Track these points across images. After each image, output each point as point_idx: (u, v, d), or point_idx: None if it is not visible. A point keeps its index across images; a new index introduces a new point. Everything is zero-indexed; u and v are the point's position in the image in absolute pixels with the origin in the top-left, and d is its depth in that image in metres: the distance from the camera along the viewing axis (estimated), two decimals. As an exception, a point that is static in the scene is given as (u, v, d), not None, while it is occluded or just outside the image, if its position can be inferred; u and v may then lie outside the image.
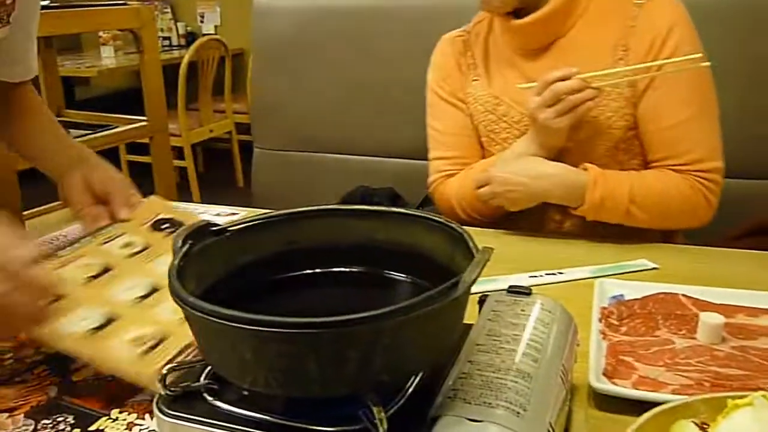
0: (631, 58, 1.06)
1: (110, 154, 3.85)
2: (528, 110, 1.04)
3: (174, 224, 0.93)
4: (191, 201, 3.80)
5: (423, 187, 1.59)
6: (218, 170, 4.52)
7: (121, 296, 0.76)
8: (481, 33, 1.21)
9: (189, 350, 0.68)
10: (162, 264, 0.83)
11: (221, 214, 1.23)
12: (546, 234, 1.12)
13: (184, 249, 0.55)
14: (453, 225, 0.57)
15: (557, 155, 1.08)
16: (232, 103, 4.15)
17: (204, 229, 0.58)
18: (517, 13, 1.10)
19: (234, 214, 1.23)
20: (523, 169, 1.06)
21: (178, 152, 4.00)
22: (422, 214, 0.60)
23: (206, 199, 3.88)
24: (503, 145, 1.15)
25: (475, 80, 1.19)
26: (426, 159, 1.67)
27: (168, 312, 0.73)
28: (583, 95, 1.00)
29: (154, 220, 0.93)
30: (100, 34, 4.53)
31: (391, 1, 1.70)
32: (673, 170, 1.05)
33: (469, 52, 1.21)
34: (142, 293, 0.77)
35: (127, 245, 0.87)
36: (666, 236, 1.11)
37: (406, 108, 1.68)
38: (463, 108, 1.20)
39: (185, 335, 0.68)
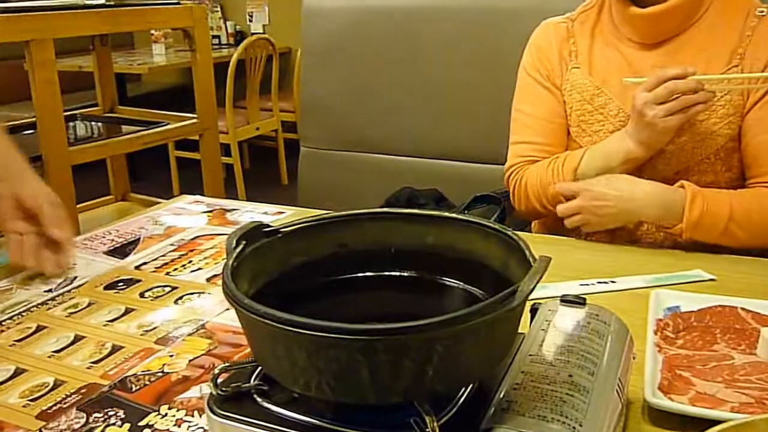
0: (745, 67, 1.03)
1: (159, 150, 3.93)
2: (636, 105, 0.99)
3: (129, 283, 0.94)
4: (237, 198, 3.86)
5: (467, 188, 1.58)
6: (263, 168, 4.57)
7: (37, 351, 0.77)
8: (587, 21, 1.17)
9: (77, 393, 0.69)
10: (99, 317, 0.84)
11: (268, 213, 1.23)
12: (597, 240, 1.09)
13: (238, 249, 0.55)
14: (508, 232, 0.56)
15: (654, 158, 1.05)
16: (279, 102, 4.19)
17: (257, 230, 0.58)
18: (636, 2, 1.07)
19: (281, 213, 1.24)
20: (617, 187, 1.01)
21: (225, 149, 4.05)
22: (477, 220, 0.59)
23: (251, 196, 3.94)
24: (593, 138, 1.12)
25: (576, 68, 1.15)
26: (469, 161, 1.67)
27: (77, 360, 0.75)
28: (697, 97, 0.96)
29: (113, 281, 0.95)
30: (152, 32, 4.62)
31: (440, 1, 1.69)
32: None
33: (572, 39, 1.17)
34: (59, 347, 0.78)
35: (72, 307, 0.88)
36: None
37: (452, 109, 1.68)
38: (557, 94, 1.17)
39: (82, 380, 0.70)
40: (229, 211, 1.25)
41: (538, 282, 0.47)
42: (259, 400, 0.52)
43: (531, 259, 0.50)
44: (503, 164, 1.64)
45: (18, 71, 3.99)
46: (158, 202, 1.31)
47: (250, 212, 1.24)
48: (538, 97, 1.19)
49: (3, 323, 0.84)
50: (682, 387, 0.65)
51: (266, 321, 0.45)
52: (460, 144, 1.68)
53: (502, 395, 0.50)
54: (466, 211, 1.41)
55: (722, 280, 0.91)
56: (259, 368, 0.54)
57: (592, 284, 0.90)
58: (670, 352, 0.71)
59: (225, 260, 0.53)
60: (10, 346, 0.79)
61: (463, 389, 0.50)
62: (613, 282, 0.91)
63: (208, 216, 1.22)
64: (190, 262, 1.02)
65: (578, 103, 1.14)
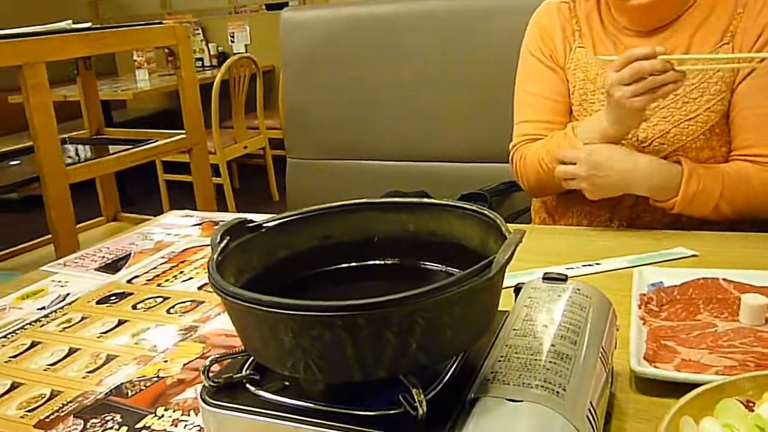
0: (735, 45, 1.05)
1: (148, 175, 3.93)
2: (605, 85, 1.00)
3: (121, 296, 0.95)
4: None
5: (455, 188, 1.60)
6: (253, 186, 4.58)
7: (33, 366, 0.78)
8: (586, 5, 1.18)
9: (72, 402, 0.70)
10: (93, 330, 0.86)
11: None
12: (582, 225, 1.11)
13: (222, 244, 0.56)
14: (484, 211, 0.57)
15: (652, 137, 1.06)
16: (265, 119, 4.21)
17: (241, 226, 0.60)
18: None
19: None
20: (615, 158, 1.01)
21: (214, 169, 4.06)
22: (453, 203, 0.61)
23: (242, 213, 3.94)
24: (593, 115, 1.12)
25: (580, 47, 1.16)
26: (455, 162, 1.69)
27: (73, 371, 0.76)
28: (665, 77, 0.95)
29: (105, 295, 0.96)
30: (135, 57, 4.64)
31: (415, 6, 1.72)
32: (751, 162, 1.03)
33: (575, 19, 1.18)
34: (53, 360, 0.79)
35: (65, 322, 0.89)
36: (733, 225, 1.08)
37: (435, 111, 1.69)
38: (560, 73, 1.18)
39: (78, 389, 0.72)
40: (218, 223, 1.26)
41: (513, 252, 0.48)
42: (251, 388, 0.53)
43: (507, 234, 0.52)
44: (489, 162, 1.65)
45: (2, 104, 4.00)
46: (149, 219, 1.32)
47: (239, 222, 1.25)
48: (541, 76, 1.19)
49: (-2, 342, 0.85)
50: (667, 356, 0.66)
51: (251, 305, 0.46)
52: (445, 145, 1.70)
53: (487, 367, 0.51)
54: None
55: (704, 255, 0.93)
56: (250, 359, 0.55)
57: (577, 267, 0.92)
58: (655, 324, 0.72)
59: (209, 257, 0.55)
60: (6, 362, 0.80)
61: (449, 364, 0.52)
62: (597, 264, 0.92)
63: (198, 228, 1.23)
64: (181, 272, 1.03)
65: (581, 81, 1.15)
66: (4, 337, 0.86)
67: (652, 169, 1.01)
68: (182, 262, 1.07)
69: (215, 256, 0.54)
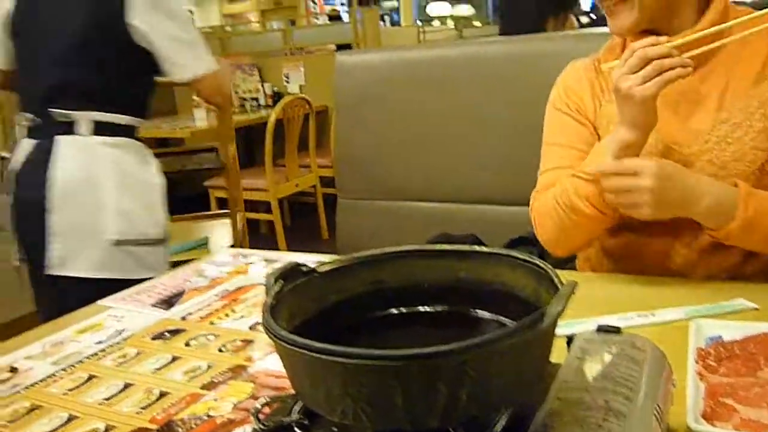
0: None
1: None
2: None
3: (175, 333, 0.97)
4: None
5: (504, 232, 1.59)
6: (304, 223, 4.64)
7: (89, 399, 0.80)
8: (616, 54, 1.12)
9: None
10: (147, 365, 0.88)
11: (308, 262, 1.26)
12: (636, 274, 1.09)
13: (276, 288, 0.57)
14: (537, 261, 0.57)
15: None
16: (317, 158, 4.28)
17: (295, 270, 0.61)
18: (652, 33, 1.03)
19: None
20: (682, 169, 0.97)
21: (266, 206, 4.14)
22: (505, 252, 0.61)
23: (292, 250, 3.99)
24: None
25: (610, 102, 1.10)
26: (506, 205, 1.68)
27: (127, 407, 0.78)
28: (672, 61, 0.92)
29: (160, 331, 0.98)
30: (194, 97, 4.79)
31: (466, 50, 1.74)
32: None
33: (601, 76, 1.16)
34: (108, 395, 0.81)
35: (121, 356, 0.91)
36: None
37: (485, 154, 1.70)
38: (588, 126, 1.15)
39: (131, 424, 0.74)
40: (271, 261, 1.28)
41: (565, 304, 0.48)
42: (299, 433, 0.53)
43: (559, 285, 0.51)
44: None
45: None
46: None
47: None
48: (567, 128, 1.17)
49: (57, 374, 0.88)
50: (725, 414, 0.64)
51: (303, 351, 0.46)
52: (494, 188, 1.70)
53: (538, 421, 0.51)
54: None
55: (766, 308, 0.90)
56: (300, 402, 0.56)
57: (631, 317, 0.90)
58: (713, 380, 0.70)
59: (264, 300, 0.56)
60: (63, 394, 0.82)
61: (499, 416, 0.51)
62: (652, 315, 0.90)
63: (251, 266, 1.25)
64: (233, 311, 1.04)
65: None
66: (63, 369, 0.89)
67: (712, 185, 0.97)
68: (234, 300, 1.09)
69: (269, 300, 0.55)
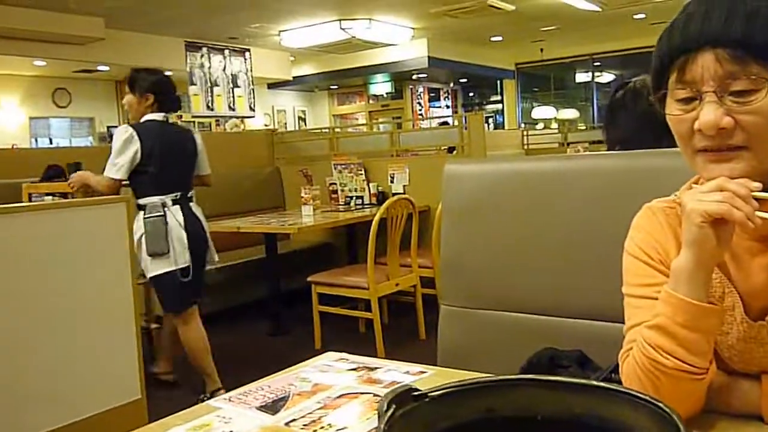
0: None
1: (304, 307, 4.14)
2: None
3: None
4: (375, 351, 3.91)
5: (612, 350, 1.52)
6: (402, 322, 4.63)
7: None
8: None
9: None
10: None
11: (410, 372, 1.25)
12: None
13: (389, 413, 0.58)
14: (662, 404, 0.55)
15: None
16: (417, 258, 4.31)
17: (406, 394, 0.61)
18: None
19: (423, 372, 1.25)
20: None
21: (366, 304, 4.18)
22: (627, 390, 0.59)
23: (389, 350, 3.98)
24: (718, 339, 0.98)
25: None
26: (614, 321, 1.62)
27: None
28: (745, 204, 0.86)
29: None
30: (302, 194, 5.01)
31: (572, 165, 1.74)
32: None
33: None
34: None
35: None
36: None
37: (593, 268, 1.66)
38: None
39: None
40: (372, 369, 1.29)
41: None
42: None
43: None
44: (651, 325, 1.56)
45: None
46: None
47: (394, 371, 1.27)
48: (650, 279, 1.06)
49: (166, 474, 0.90)
50: None
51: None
52: (603, 303, 1.64)
53: None
54: (613, 374, 1.35)
55: None
56: None
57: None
58: None
59: (377, 425, 0.56)
60: (172, 497, 0.84)
61: None
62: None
63: (353, 373, 1.26)
64: (336, 421, 1.04)
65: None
66: (172, 469, 0.91)
67: None
68: (337, 409, 1.09)
69: (382, 426, 0.56)
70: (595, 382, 0.61)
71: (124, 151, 3.30)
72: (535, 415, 0.63)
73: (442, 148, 6.07)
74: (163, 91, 3.48)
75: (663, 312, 0.93)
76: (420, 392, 0.62)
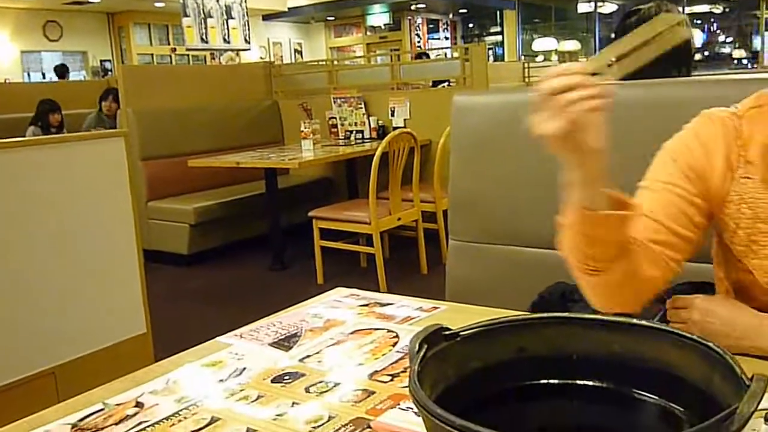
0: None
1: (305, 238, 4.13)
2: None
3: (294, 376, 0.96)
4: (377, 285, 3.92)
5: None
6: (403, 257, 4.63)
7: None
8: (760, 122, 0.98)
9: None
10: (268, 411, 0.87)
11: (423, 308, 1.23)
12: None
13: (421, 354, 0.55)
14: (711, 344, 0.52)
15: None
16: (419, 193, 4.27)
17: (437, 334, 0.58)
18: None
19: (436, 308, 1.23)
20: (719, 305, 0.99)
21: (367, 239, 4.17)
22: (670, 329, 0.56)
23: (391, 285, 3.98)
24: (763, 262, 0.97)
25: (747, 178, 0.98)
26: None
27: None
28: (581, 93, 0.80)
29: (280, 374, 0.98)
30: (302, 129, 4.93)
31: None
32: None
33: (740, 141, 0.98)
34: None
35: (243, 399, 0.91)
36: None
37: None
38: (699, 192, 1.01)
39: None
40: (384, 305, 1.26)
41: (758, 405, 0.42)
42: None
43: (743, 378, 0.46)
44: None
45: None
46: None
47: (406, 306, 1.25)
48: (667, 176, 1.04)
49: (180, 413, 0.88)
50: None
51: (450, 428, 0.43)
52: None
53: None
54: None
55: None
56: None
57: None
58: None
59: (409, 365, 0.53)
60: (188, 436, 0.82)
61: None
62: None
63: (364, 309, 1.24)
64: (351, 358, 1.03)
65: (749, 220, 0.97)
66: (187, 408, 0.89)
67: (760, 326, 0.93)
68: (350, 345, 1.07)
69: (415, 368, 0.53)
70: (635, 321, 0.58)
71: None
72: (570, 354, 0.60)
73: (434, 81, 5.95)
74: None
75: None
76: (451, 331, 0.59)
